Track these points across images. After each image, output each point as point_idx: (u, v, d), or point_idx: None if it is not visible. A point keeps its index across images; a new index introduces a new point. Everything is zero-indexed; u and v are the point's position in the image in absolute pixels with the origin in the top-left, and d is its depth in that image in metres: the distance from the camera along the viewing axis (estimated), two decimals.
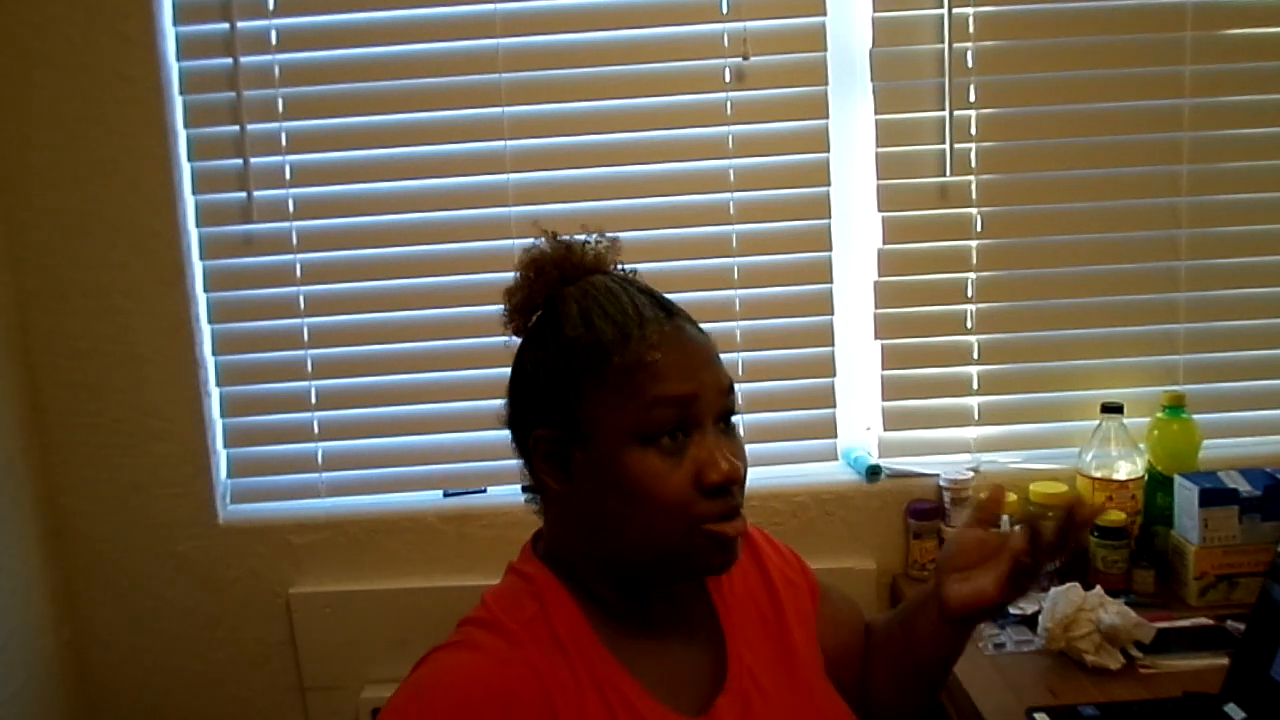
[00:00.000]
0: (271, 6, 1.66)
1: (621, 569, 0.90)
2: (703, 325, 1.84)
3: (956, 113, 1.67)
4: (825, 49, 1.68)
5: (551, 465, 0.90)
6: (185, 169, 1.70)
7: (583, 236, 0.97)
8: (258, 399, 1.76)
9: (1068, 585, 1.40)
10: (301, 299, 1.73)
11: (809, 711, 0.95)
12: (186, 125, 1.68)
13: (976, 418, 1.77)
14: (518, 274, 0.94)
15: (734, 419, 0.92)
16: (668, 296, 0.96)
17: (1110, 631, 1.34)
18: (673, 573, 0.89)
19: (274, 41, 1.67)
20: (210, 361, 1.74)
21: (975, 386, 1.76)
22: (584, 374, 0.87)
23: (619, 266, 0.99)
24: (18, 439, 1.67)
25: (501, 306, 0.95)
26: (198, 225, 1.71)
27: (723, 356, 1.84)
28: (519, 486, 0.99)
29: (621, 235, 1.70)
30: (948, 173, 1.69)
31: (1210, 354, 1.75)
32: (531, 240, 0.96)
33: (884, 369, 1.75)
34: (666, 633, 0.92)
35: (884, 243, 1.72)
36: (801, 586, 1.05)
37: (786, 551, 1.09)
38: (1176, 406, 1.65)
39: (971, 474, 1.69)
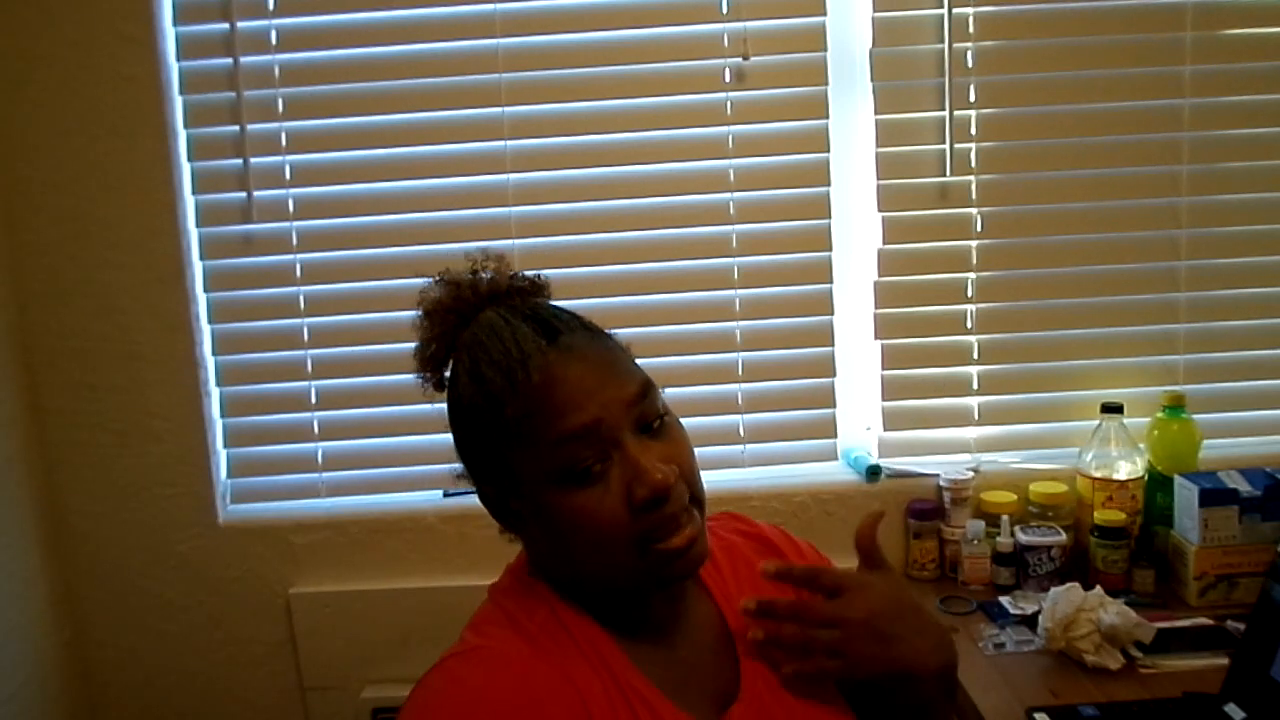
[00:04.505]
0: (271, 6, 1.66)
1: (599, 588, 0.87)
2: (702, 325, 1.83)
3: (956, 113, 1.67)
4: (825, 49, 1.69)
5: (500, 517, 0.90)
6: (185, 169, 1.70)
7: (469, 270, 0.91)
8: (258, 399, 1.76)
9: (1068, 585, 1.40)
10: (301, 299, 1.73)
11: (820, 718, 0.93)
12: (186, 125, 1.69)
13: (976, 418, 1.77)
14: (416, 329, 0.90)
15: (661, 420, 0.84)
16: (559, 306, 0.90)
17: (1110, 631, 1.34)
18: (641, 587, 0.86)
19: (274, 41, 1.67)
20: (210, 361, 1.74)
21: (975, 386, 1.76)
22: (488, 431, 0.85)
23: (514, 277, 0.92)
24: (18, 439, 1.67)
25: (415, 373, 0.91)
26: (198, 225, 1.71)
27: (722, 357, 1.84)
28: None
29: (621, 235, 1.72)
30: (948, 173, 1.69)
31: (1210, 354, 1.75)
32: (425, 281, 0.92)
33: (884, 369, 1.75)
34: (673, 635, 0.90)
35: (884, 243, 1.72)
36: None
37: (806, 549, 1.05)
38: (1176, 406, 1.65)
39: (971, 474, 1.69)
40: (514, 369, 0.82)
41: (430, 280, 0.91)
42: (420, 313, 0.91)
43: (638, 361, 0.88)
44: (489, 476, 0.89)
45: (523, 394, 0.81)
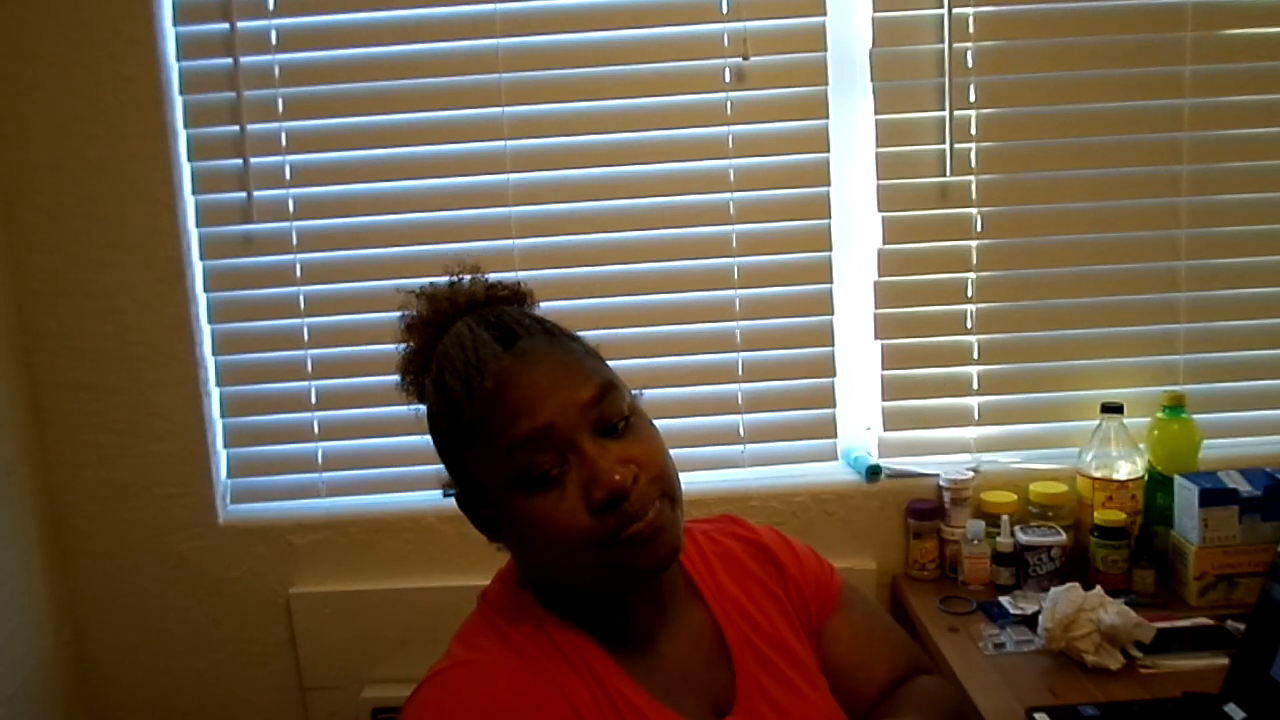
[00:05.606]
0: (271, 6, 1.66)
1: (575, 592, 0.87)
2: (702, 325, 1.83)
3: (956, 113, 1.67)
4: (825, 49, 1.69)
5: (477, 524, 0.90)
6: (185, 169, 1.70)
7: (444, 279, 0.92)
8: (258, 399, 1.76)
9: (1068, 585, 1.40)
10: (301, 299, 1.73)
11: None
12: (186, 125, 1.69)
13: (976, 418, 1.77)
14: (398, 338, 0.92)
15: (626, 420, 0.84)
16: (528, 311, 0.91)
17: (1110, 631, 1.34)
18: (616, 585, 0.85)
19: (274, 41, 1.67)
20: (210, 361, 1.74)
21: (975, 386, 1.76)
22: (452, 439, 0.87)
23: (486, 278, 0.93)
24: (18, 439, 1.67)
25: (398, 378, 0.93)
26: (198, 225, 1.71)
27: (722, 357, 1.84)
28: None
29: (621, 235, 1.72)
30: (948, 173, 1.69)
31: (1210, 354, 1.75)
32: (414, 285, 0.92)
33: (884, 369, 1.75)
34: (663, 643, 0.89)
35: (884, 243, 1.72)
36: (809, 593, 1.01)
37: (803, 552, 1.04)
38: (1176, 406, 1.65)
39: (971, 474, 1.69)
40: (471, 376, 0.83)
41: (413, 290, 0.92)
42: (401, 324, 0.92)
43: (635, 362, 0.88)
44: (460, 484, 0.90)
45: (478, 400, 0.82)
